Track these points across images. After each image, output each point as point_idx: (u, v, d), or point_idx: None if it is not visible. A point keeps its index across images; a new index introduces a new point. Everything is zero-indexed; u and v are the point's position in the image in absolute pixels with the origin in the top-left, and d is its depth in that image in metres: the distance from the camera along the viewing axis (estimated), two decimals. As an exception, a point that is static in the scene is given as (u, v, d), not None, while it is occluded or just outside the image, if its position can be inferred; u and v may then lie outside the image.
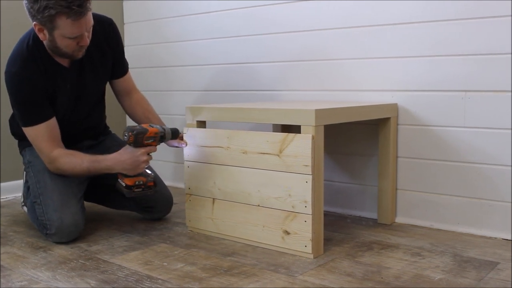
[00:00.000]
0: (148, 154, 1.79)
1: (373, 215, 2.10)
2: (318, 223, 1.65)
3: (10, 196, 2.56)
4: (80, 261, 1.65)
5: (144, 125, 1.79)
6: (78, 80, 1.92)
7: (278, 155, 1.67)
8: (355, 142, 2.14)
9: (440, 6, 1.86)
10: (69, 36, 1.72)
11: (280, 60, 2.31)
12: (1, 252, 1.75)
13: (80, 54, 1.83)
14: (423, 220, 1.99)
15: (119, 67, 2.07)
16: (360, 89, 2.08)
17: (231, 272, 1.54)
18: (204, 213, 1.90)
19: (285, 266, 1.58)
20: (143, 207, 2.07)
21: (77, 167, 1.84)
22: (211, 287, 1.43)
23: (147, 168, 1.86)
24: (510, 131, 1.77)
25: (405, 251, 1.70)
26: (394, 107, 1.98)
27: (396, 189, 2.04)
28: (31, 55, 1.82)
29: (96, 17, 1.85)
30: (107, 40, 1.96)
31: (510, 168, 1.78)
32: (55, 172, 1.88)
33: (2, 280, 1.50)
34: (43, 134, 1.84)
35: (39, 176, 1.91)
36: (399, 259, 1.62)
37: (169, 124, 2.17)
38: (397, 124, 2.01)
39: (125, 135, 1.75)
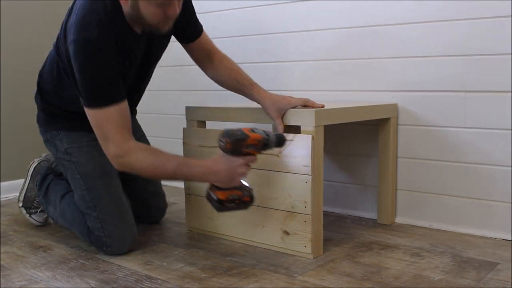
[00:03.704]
0: (247, 165, 1.50)
1: (373, 215, 2.10)
2: (317, 223, 1.65)
3: (11, 195, 2.56)
4: (79, 261, 1.65)
5: (245, 130, 1.47)
6: (146, 49, 1.68)
7: (277, 155, 1.66)
8: (355, 142, 2.14)
9: (440, 6, 1.85)
10: (155, 2, 1.47)
11: (280, 60, 2.31)
12: (1, 251, 1.75)
13: (166, 28, 1.55)
14: (423, 221, 1.99)
15: (192, 28, 1.78)
16: (360, 89, 2.08)
17: (231, 272, 1.54)
18: (203, 213, 1.90)
19: (284, 266, 1.58)
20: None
21: (160, 168, 1.50)
22: (211, 287, 1.43)
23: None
24: (510, 131, 1.77)
25: (404, 252, 1.70)
26: (394, 108, 1.98)
27: (396, 189, 2.04)
28: (111, 22, 1.50)
29: None
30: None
31: (510, 168, 1.78)
32: (119, 168, 1.55)
33: (2, 280, 1.50)
34: (115, 119, 1.50)
35: (90, 183, 1.69)
36: (398, 260, 1.62)
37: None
38: (397, 125, 2.00)
39: (222, 141, 1.45)
